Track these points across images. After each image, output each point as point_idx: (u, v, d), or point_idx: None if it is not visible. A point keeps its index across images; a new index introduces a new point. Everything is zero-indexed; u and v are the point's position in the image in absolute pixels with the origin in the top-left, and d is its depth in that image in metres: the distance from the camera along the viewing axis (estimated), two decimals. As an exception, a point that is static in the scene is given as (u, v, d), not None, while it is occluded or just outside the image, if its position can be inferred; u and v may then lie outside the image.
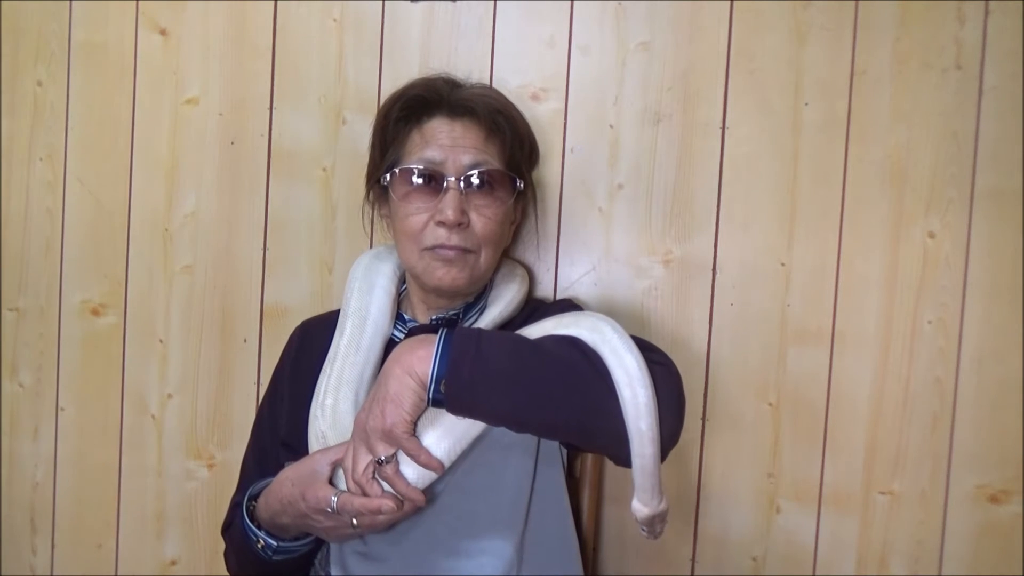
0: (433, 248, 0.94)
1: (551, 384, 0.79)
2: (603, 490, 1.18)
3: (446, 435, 0.82)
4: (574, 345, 0.82)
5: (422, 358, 0.79)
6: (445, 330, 0.81)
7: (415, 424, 0.81)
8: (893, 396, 1.12)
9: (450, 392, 0.78)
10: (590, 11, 1.17)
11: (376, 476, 0.81)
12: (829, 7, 1.12)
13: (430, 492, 0.85)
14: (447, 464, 0.83)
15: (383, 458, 0.80)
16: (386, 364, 0.83)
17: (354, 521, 0.81)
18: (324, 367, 0.96)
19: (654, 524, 0.86)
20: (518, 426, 0.81)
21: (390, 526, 0.85)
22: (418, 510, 0.83)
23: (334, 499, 0.81)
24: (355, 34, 1.22)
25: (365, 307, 0.98)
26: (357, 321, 0.97)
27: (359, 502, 0.80)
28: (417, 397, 0.79)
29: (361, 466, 0.81)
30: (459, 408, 0.80)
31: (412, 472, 0.81)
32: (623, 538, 1.19)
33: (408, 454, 0.81)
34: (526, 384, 0.78)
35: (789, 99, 1.14)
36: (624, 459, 0.82)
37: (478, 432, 0.84)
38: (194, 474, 1.28)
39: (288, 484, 0.87)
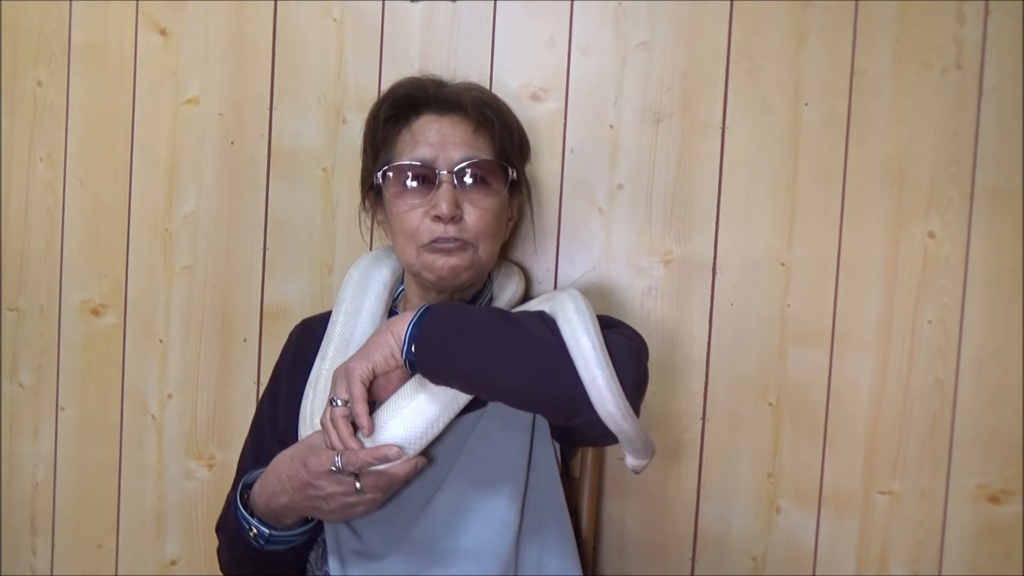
0: (430, 243, 0.95)
1: (522, 350, 0.81)
2: (603, 490, 1.18)
3: (405, 423, 0.83)
4: (543, 320, 0.84)
5: (407, 322, 0.84)
6: (428, 304, 0.85)
7: (372, 381, 0.84)
8: (893, 396, 1.12)
9: (420, 351, 0.81)
10: (590, 11, 1.17)
11: (331, 418, 0.83)
12: (829, 7, 1.12)
13: (427, 463, 0.87)
14: (393, 452, 0.83)
15: (337, 400, 0.83)
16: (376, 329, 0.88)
17: (357, 484, 0.82)
18: (306, 391, 0.97)
19: (646, 464, 0.90)
20: (487, 389, 0.83)
21: (389, 496, 0.87)
22: (419, 471, 0.85)
23: (338, 458, 0.82)
24: (355, 34, 1.22)
25: (349, 332, 1.00)
26: (340, 346, 0.99)
27: (364, 453, 0.81)
28: (389, 352, 0.83)
29: (327, 412, 0.84)
30: (428, 367, 0.82)
31: (369, 444, 0.83)
32: (623, 538, 1.19)
33: (350, 397, 0.82)
34: (496, 347, 0.81)
35: (789, 99, 1.14)
36: (592, 435, 0.84)
37: (439, 430, 0.85)
38: (194, 474, 1.28)
39: (287, 460, 0.88)
